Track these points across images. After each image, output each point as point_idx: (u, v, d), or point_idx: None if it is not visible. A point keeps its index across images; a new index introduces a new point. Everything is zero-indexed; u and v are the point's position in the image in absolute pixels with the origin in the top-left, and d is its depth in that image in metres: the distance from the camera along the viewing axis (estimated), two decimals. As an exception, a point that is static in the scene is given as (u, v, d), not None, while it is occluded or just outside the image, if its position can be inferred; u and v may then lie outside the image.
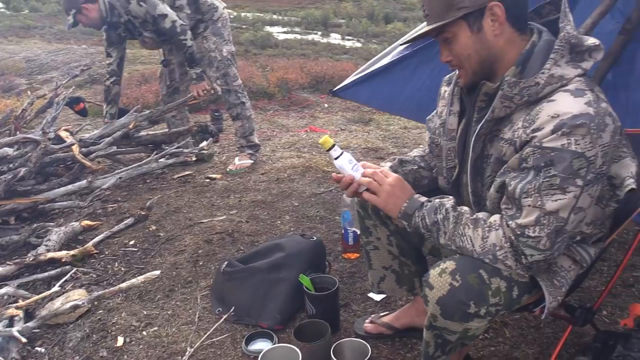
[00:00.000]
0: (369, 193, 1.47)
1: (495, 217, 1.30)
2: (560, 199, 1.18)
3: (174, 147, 3.72)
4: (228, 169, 3.76)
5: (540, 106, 1.21)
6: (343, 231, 2.48)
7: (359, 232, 2.43)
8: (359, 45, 11.99)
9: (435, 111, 1.63)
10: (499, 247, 1.26)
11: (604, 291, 1.62)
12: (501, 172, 1.29)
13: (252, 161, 3.86)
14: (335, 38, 12.53)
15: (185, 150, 3.70)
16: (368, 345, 1.72)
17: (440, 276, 1.30)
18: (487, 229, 1.29)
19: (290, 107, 6.09)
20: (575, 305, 1.63)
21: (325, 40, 12.01)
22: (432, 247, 1.73)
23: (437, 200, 1.40)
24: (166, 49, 3.75)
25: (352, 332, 1.98)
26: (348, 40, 12.62)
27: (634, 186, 1.28)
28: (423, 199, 1.42)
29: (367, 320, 1.98)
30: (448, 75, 1.60)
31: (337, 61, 8.37)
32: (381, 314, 2.00)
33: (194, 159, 3.82)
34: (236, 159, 3.89)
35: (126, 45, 3.77)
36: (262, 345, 1.91)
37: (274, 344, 1.91)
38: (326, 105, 5.92)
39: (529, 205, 1.21)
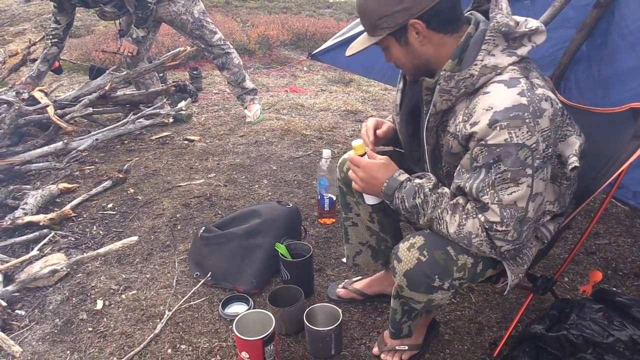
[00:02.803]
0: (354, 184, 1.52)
1: (471, 205, 1.32)
2: (515, 192, 1.22)
3: (151, 108, 3.68)
4: (247, 122, 3.88)
5: (477, 98, 1.24)
6: (319, 197, 2.53)
7: (334, 198, 2.49)
8: (342, -1, 11.73)
9: None
10: (474, 235, 1.29)
11: (566, 261, 1.70)
12: (457, 174, 1.33)
13: (260, 105, 3.96)
14: (318, -9, 12.22)
15: (162, 112, 3.66)
16: (339, 310, 1.79)
17: (409, 250, 1.36)
18: (464, 216, 1.31)
19: (271, 65, 6.02)
20: (537, 275, 1.71)
21: (308, -7, 11.72)
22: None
23: (417, 181, 1.40)
24: (124, 21, 3.68)
25: (325, 296, 2.06)
26: (332, -7, 12.33)
27: (577, 164, 1.32)
28: (403, 177, 1.42)
29: (340, 286, 2.06)
30: None
31: (319, 17, 8.22)
32: (354, 279, 2.08)
33: (170, 120, 3.80)
34: (245, 111, 3.96)
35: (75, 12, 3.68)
36: (238, 309, 1.98)
37: (250, 307, 1.97)
38: (305, 69, 5.87)
39: (489, 202, 1.25)
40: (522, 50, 1.26)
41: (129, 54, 3.58)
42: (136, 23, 3.47)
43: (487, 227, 1.27)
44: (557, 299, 1.81)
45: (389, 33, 1.30)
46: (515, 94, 1.19)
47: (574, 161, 1.32)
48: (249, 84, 3.92)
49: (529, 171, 1.21)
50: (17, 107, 2.88)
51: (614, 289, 2.05)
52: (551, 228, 1.45)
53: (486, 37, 1.24)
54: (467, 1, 1.37)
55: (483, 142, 1.21)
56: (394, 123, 1.62)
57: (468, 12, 1.37)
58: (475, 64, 1.24)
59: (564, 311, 1.58)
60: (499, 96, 1.20)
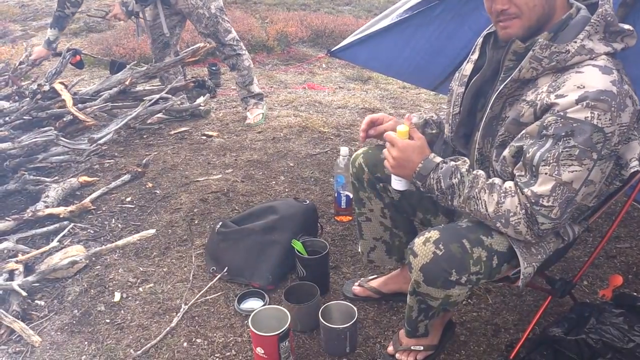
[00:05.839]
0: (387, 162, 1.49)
1: (510, 184, 1.32)
2: (576, 170, 1.22)
3: (164, 91, 3.64)
4: (246, 123, 3.83)
5: (568, 75, 1.24)
6: (336, 194, 2.52)
7: (351, 196, 2.48)
8: (362, -4, 11.68)
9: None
10: (512, 214, 1.29)
11: (586, 264, 1.67)
12: (518, 138, 1.31)
13: (263, 110, 3.91)
14: (337, -12, 12.19)
15: (175, 98, 3.65)
16: (355, 308, 1.79)
17: (425, 245, 1.36)
18: (502, 194, 1.31)
19: (289, 62, 6.02)
20: (556, 277, 1.69)
21: (327, -10, 11.70)
22: (423, 218, 1.77)
23: (452, 163, 1.40)
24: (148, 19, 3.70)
25: (341, 293, 2.06)
26: (351, -10, 12.30)
27: (638, 168, 1.31)
28: (438, 159, 1.42)
29: (355, 284, 2.05)
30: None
31: (338, 14, 8.21)
32: (370, 278, 2.07)
33: (183, 102, 3.80)
34: (247, 114, 3.92)
35: None
36: (253, 304, 1.99)
37: (265, 303, 1.98)
38: (323, 66, 5.86)
39: (546, 174, 1.24)
40: (617, 45, 1.28)
41: (115, 18, 3.60)
42: None
43: (533, 201, 1.26)
44: (576, 302, 1.78)
45: None
46: (608, 80, 1.20)
47: (635, 165, 1.31)
48: (255, 88, 3.88)
49: (595, 156, 1.21)
50: (38, 98, 2.92)
51: (634, 293, 2.02)
52: (576, 229, 1.43)
53: (592, 20, 1.26)
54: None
55: (562, 114, 1.21)
56: (450, 95, 1.58)
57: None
58: (575, 42, 1.25)
59: (583, 315, 1.55)
60: (593, 78, 1.21)
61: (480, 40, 1.52)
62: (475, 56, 1.52)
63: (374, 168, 1.73)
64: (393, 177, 1.51)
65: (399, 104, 4.45)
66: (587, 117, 1.18)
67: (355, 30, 3.19)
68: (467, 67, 1.53)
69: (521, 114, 1.31)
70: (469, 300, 2.00)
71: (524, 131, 1.30)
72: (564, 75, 1.25)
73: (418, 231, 1.86)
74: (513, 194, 1.29)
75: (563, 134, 1.21)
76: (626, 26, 1.28)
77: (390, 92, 4.82)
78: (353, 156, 1.81)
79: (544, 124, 1.24)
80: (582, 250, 2.29)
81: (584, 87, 1.20)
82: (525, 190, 1.27)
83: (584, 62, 1.24)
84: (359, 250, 1.93)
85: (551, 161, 1.23)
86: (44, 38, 3.71)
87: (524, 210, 1.28)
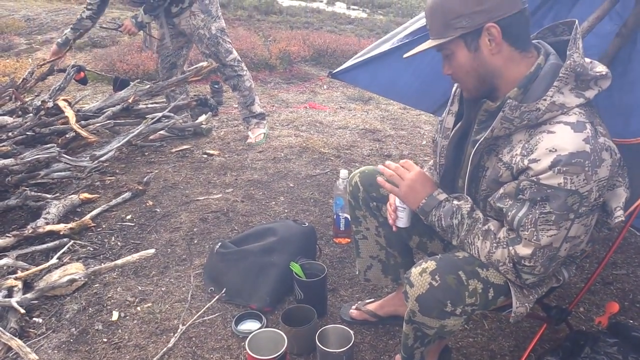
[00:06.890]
0: (391, 185, 1.54)
1: (504, 234, 1.35)
2: (554, 234, 1.25)
3: (166, 110, 3.65)
4: (247, 143, 3.84)
5: (540, 135, 1.23)
6: (335, 217, 2.54)
7: (350, 218, 2.50)
8: (364, 15, 11.86)
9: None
10: (502, 264, 1.35)
11: (582, 291, 1.69)
12: (499, 197, 1.35)
13: (264, 130, 3.93)
14: (340, 7, 12.37)
15: (177, 117, 3.68)
16: (352, 332, 1.79)
17: (421, 275, 1.38)
18: (495, 244, 1.35)
19: (291, 81, 6.08)
20: (552, 305, 1.70)
21: (330, 8, 11.86)
22: (419, 242, 1.79)
23: (456, 202, 1.44)
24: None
25: (338, 317, 2.06)
26: (353, 9, 12.47)
27: (623, 218, 1.33)
28: (442, 196, 1.46)
29: (353, 307, 2.06)
30: None
31: (340, 33, 8.30)
32: (367, 301, 2.08)
33: (187, 121, 3.85)
34: (249, 133, 3.93)
35: None
36: (251, 326, 1.99)
37: (263, 325, 1.99)
38: (325, 87, 5.91)
39: (526, 239, 1.28)
40: (590, 93, 1.26)
41: (128, 32, 3.63)
42: (145, 8, 3.52)
43: (516, 260, 1.31)
44: (571, 329, 1.79)
45: (461, 35, 1.28)
46: (580, 139, 1.19)
47: (620, 215, 1.33)
48: (257, 108, 3.90)
49: (572, 216, 1.23)
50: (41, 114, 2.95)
51: (631, 321, 2.03)
52: (573, 269, 1.47)
53: (560, 74, 1.24)
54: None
55: (535, 179, 1.23)
56: (434, 146, 1.61)
57: (535, 41, 1.37)
58: (544, 99, 1.23)
59: (578, 343, 1.57)
60: (565, 139, 1.20)
61: (458, 90, 1.54)
62: (455, 107, 1.54)
63: (369, 187, 1.77)
64: (398, 212, 1.58)
65: (400, 125, 4.48)
66: (560, 183, 1.20)
67: (358, 51, 3.24)
68: (449, 120, 1.54)
69: (499, 174, 1.34)
70: (466, 326, 2.00)
71: (502, 190, 1.33)
72: (536, 134, 1.25)
73: (414, 252, 1.89)
74: (504, 246, 1.33)
75: (538, 198, 1.23)
76: (598, 69, 1.26)
77: (391, 112, 4.86)
78: (350, 175, 1.86)
79: (520, 187, 1.27)
80: (579, 276, 2.30)
81: (556, 150, 1.19)
82: (511, 248, 1.32)
83: (555, 118, 1.23)
84: (357, 268, 1.95)
85: (529, 227, 1.27)
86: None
87: (512, 264, 1.33)
